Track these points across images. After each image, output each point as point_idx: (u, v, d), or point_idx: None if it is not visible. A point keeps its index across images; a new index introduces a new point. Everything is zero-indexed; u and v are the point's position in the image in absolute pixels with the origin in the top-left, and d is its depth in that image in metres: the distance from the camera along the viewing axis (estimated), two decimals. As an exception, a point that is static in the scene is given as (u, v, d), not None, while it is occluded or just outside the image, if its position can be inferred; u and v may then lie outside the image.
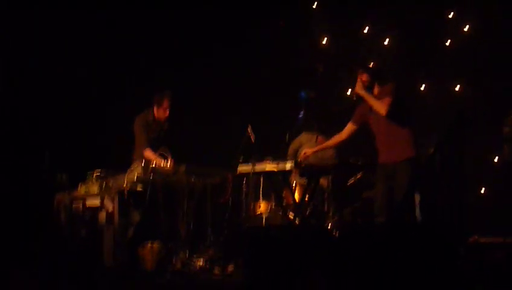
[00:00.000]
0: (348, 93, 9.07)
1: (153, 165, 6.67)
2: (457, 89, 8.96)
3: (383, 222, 6.20)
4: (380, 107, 6.29)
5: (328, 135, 7.73)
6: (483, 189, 8.58)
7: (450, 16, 9.09)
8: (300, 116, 9.00)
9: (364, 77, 6.48)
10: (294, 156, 7.83)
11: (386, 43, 9.37)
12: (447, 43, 9.07)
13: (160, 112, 7.40)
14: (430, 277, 4.96)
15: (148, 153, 7.10)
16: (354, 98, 6.77)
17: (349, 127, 6.72)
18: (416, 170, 6.29)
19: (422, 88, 9.13)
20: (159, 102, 7.37)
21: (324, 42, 9.71)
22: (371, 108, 6.43)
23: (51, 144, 7.84)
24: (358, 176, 8.06)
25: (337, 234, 7.02)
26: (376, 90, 6.48)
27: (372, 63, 7.01)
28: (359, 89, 6.42)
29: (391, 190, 6.35)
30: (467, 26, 8.97)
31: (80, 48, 8.54)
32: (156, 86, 7.78)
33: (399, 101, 6.31)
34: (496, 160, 8.43)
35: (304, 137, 8.32)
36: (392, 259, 5.10)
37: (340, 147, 8.19)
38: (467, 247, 6.10)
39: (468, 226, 6.71)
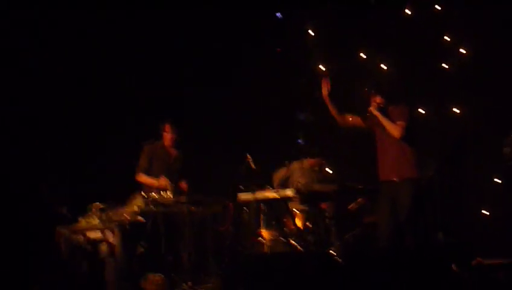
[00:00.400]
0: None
1: (154, 196, 6.65)
2: (456, 111, 8.96)
3: (386, 247, 6.18)
4: (394, 129, 6.59)
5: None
6: (484, 210, 8.54)
7: (448, 39, 9.13)
8: (300, 141, 9.04)
9: (378, 99, 6.75)
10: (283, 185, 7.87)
11: (384, 67, 9.39)
12: (445, 66, 9.10)
13: (167, 139, 7.52)
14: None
15: (141, 178, 7.30)
16: (364, 122, 6.90)
17: (350, 118, 7.00)
18: (418, 192, 6.36)
19: (422, 111, 9.13)
20: (161, 129, 7.54)
21: (322, 68, 9.74)
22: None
23: (51, 176, 7.82)
24: (359, 200, 8.06)
25: (340, 260, 6.98)
26: (389, 110, 6.73)
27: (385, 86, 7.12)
28: (373, 110, 6.58)
29: (395, 214, 6.40)
30: (464, 49, 9.00)
31: (76, 77, 8.55)
32: (155, 118, 7.80)
33: (411, 124, 6.49)
34: (497, 181, 8.41)
35: (294, 166, 8.32)
36: (395, 285, 5.08)
37: (341, 171, 8.24)
38: (470, 269, 6.07)
39: (472, 249, 6.70)
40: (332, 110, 7.00)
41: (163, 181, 7.13)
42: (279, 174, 8.33)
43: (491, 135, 8.04)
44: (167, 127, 7.52)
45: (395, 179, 6.58)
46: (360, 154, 8.79)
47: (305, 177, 8.00)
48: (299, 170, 8.23)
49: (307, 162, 8.17)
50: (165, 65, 9.09)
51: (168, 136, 7.52)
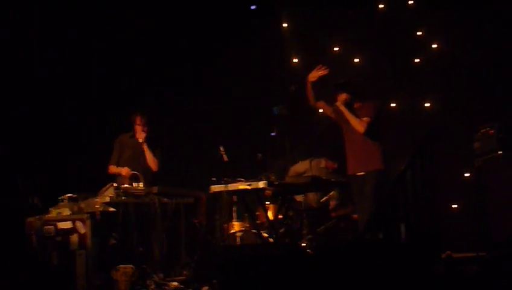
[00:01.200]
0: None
1: (125, 187, 6.63)
2: (427, 105, 9.05)
3: (355, 240, 6.23)
4: (359, 125, 6.78)
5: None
6: (454, 204, 8.64)
7: (419, 34, 9.20)
8: (273, 134, 9.05)
9: (344, 96, 6.90)
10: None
11: (356, 61, 9.45)
12: (417, 61, 9.17)
13: (138, 130, 7.57)
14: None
15: (112, 169, 7.47)
16: (333, 114, 6.98)
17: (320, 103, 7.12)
18: (386, 184, 6.49)
19: (393, 105, 9.20)
20: (133, 119, 7.60)
21: (295, 61, 9.76)
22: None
23: (23, 168, 7.76)
24: (331, 193, 8.09)
25: (311, 253, 7.01)
26: (356, 105, 6.90)
27: (351, 81, 7.20)
28: (340, 105, 6.69)
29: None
30: (436, 44, 9.08)
31: (53, 71, 8.48)
32: (129, 109, 7.78)
33: (376, 119, 6.60)
34: (467, 175, 8.50)
35: (313, 164, 8.34)
36: (365, 277, 5.12)
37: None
38: (441, 263, 6.13)
39: (441, 242, 6.76)
40: (310, 94, 7.04)
41: (124, 171, 7.19)
42: (299, 167, 8.31)
43: (461, 129, 8.13)
44: (137, 119, 7.56)
45: (360, 173, 6.79)
46: (334, 148, 8.84)
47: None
48: (316, 169, 8.24)
49: (324, 162, 8.20)
50: (139, 57, 9.05)
51: (138, 128, 7.56)
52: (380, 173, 6.77)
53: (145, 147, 7.55)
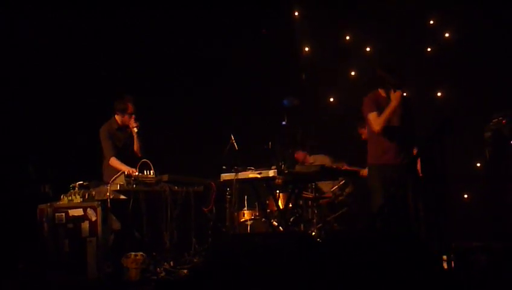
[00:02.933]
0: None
1: (136, 174, 6.65)
2: (439, 94, 9.01)
3: (366, 229, 6.22)
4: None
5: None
6: (466, 194, 8.62)
7: (431, 23, 9.15)
8: (284, 123, 9.04)
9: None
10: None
11: (367, 50, 9.42)
12: (428, 50, 9.13)
13: (126, 119, 7.35)
14: (413, 283, 4.98)
15: (114, 162, 7.13)
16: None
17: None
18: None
19: (405, 94, 9.15)
20: (123, 109, 7.32)
21: (306, 50, 9.74)
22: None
23: (35, 155, 7.80)
24: (342, 182, 8.10)
25: (321, 241, 7.03)
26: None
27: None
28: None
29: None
30: (448, 33, 9.04)
31: (65, 59, 8.50)
32: (137, 100, 7.76)
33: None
34: (478, 165, 8.48)
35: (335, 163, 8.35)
36: (375, 266, 5.11)
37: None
38: (450, 252, 6.12)
39: (452, 232, 6.74)
40: None
41: (130, 170, 6.95)
42: (322, 160, 8.33)
43: (473, 119, 8.09)
44: (129, 107, 7.32)
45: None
46: (344, 138, 8.85)
47: None
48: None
49: (342, 164, 8.17)
50: (148, 45, 9.06)
51: (129, 117, 7.32)
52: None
53: (136, 135, 7.32)
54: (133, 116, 7.32)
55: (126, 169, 6.82)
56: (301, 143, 8.61)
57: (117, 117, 7.35)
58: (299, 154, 8.75)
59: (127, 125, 7.36)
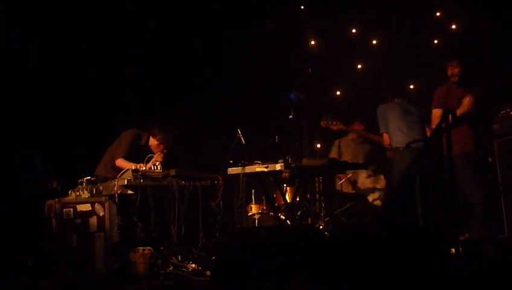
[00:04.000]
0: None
1: (144, 169, 6.65)
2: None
3: (373, 222, 6.22)
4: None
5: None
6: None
7: (438, 14, 9.13)
8: (291, 117, 9.04)
9: (457, 69, 6.69)
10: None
11: (374, 42, 9.40)
12: (435, 42, 9.11)
13: (155, 146, 7.31)
14: (421, 276, 4.98)
15: (121, 162, 7.01)
16: None
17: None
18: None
19: (411, 86, 9.15)
20: (161, 139, 7.29)
21: (312, 43, 9.73)
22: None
23: (43, 151, 7.82)
24: (349, 175, 8.09)
25: (328, 235, 7.02)
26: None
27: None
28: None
29: None
30: (454, 25, 9.01)
31: (71, 56, 8.51)
32: (145, 95, 7.75)
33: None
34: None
35: (342, 142, 8.35)
36: (383, 259, 5.11)
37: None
38: (458, 245, 6.11)
39: (460, 224, 6.73)
40: None
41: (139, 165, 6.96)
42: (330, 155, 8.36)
43: (480, 110, 8.05)
44: (158, 137, 7.27)
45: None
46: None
47: (352, 152, 8.02)
48: (347, 146, 8.23)
49: (351, 135, 8.12)
50: (153, 40, 9.05)
51: (157, 148, 7.28)
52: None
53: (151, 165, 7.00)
54: (161, 147, 7.28)
55: (133, 165, 6.77)
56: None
57: (151, 138, 7.29)
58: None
59: (151, 150, 7.27)
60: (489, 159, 7.50)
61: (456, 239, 6.14)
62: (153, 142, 7.32)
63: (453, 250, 5.72)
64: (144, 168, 6.73)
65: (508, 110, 7.23)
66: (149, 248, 6.38)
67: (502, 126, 7.30)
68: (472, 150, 6.59)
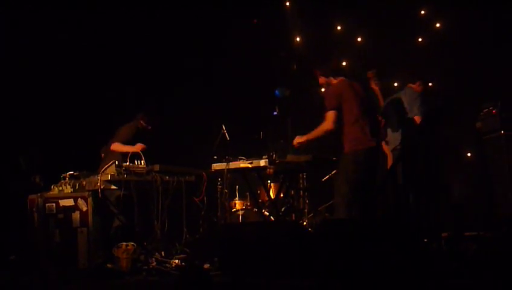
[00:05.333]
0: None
1: (127, 164, 6.63)
2: (430, 85, 9.00)
3: (356, 219, 6.23)
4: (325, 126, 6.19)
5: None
6: (456, 184, 8.64)
7: (423, 13, 9.16)
8: (275, 113, 9.05)
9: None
10: None
11: (359, 40, 9.42)
12: (420, 40, 9.15)
13: (142, 126, 7.57)
14: (403, 271, 5.01)
15: (116, 145, 7.24)
16: None
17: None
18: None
19: (395, 84, 9.17)
20: (142, 117, 7.56)
21: (297, 40, 9.73)
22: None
23: (25, 147, 7.76)
24: (333, 172, 8.09)
25: (312, 231, 7.04)
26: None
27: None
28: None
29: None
30: (439, 23, 9.05)
31: (52, 51, 8.45)
32: (126, 88, 7.72)
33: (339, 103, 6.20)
34: (469, 155, 8.50)
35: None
36: (366, 254, 5.13)
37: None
38: (441, 241, 6.15)
39: (443, 221, 6.77)
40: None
41: (139, 146, 7.09)
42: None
43: (464, 108, 8.11)
44: (144, 116, 7.59)
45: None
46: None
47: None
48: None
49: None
50: (138, 36, 9.01)
51: (143, 125, 7.57)
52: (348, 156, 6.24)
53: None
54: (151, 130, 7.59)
55: (131, 149, 6.94)
56: None
57: (140, 122, 7.55)
58: None
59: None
60: (469, 154, 7.56)
61: (438, 235, 6.20)
62: (141, 124, 7.50)
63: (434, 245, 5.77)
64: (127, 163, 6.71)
65: (491, 108, 7.27)
66: (132, 243, 6.37)
67: (485, 124, 7.35)
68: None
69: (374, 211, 6.20)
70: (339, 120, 5.99)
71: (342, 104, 6.01)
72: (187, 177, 7.16)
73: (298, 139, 6.24)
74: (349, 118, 6.00)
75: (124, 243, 6.35)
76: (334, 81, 6.27)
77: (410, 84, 7.23)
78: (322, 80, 6.39)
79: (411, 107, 7.02)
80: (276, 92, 9.49)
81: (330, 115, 5.97)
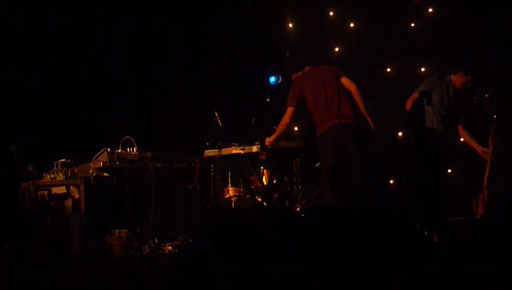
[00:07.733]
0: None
1: (119, 151, 6.61)
2: (422, 70, 9.01)
3: (350, 205, 6.24)
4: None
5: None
6: (450, 169, 8.64)
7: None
8: (268, 100, 9.03)
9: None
10: None
11: (351, 25, 9.40)
12: (412, 25, 9.12)
13: None
14: (397, 257, 5.01)
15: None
16: None
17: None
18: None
19: (388, 70, 9.17)
20: None
21: (290, 26, 9.70)
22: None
23: (18, 134, 7.74)
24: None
25: (305, 216, 7.03)
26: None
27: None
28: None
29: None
30: (431, 8, 9.03)
31: (41, 40, 8.41)
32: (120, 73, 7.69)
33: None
34: (461, 140, 8.48)
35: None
36: (359, 240, 5.13)
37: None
38: (434, 226, 6.15)
39: (436, 205, 6.76)
40: None
41: None
42: None
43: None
44: None
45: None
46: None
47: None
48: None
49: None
50: (131, 25, 8.96)
51: None
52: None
53: None
54: None
55: None
56: None
57: None
58: None
59: None
60: (461, 139, 7.53)
61: (432, 220, 6.20)
62: None
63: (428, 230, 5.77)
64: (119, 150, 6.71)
65: (483, 93, 7.26)
66: (125, 230, 6.37)
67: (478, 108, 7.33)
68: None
69: (365, 193, 6.25)
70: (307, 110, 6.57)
71: (305, 97, 6.55)
72: (179, 164, 7.15)
73: (269, 139, 6.73)
74: (315, 105, 6.49)
75: (117, 230, 6.34)
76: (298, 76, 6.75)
77: (452, 76, 7.15)
78: (292, 77, 6.90)
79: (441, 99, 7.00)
80: (271, 79, 9.48)
81: (288, 111, 6.59)
